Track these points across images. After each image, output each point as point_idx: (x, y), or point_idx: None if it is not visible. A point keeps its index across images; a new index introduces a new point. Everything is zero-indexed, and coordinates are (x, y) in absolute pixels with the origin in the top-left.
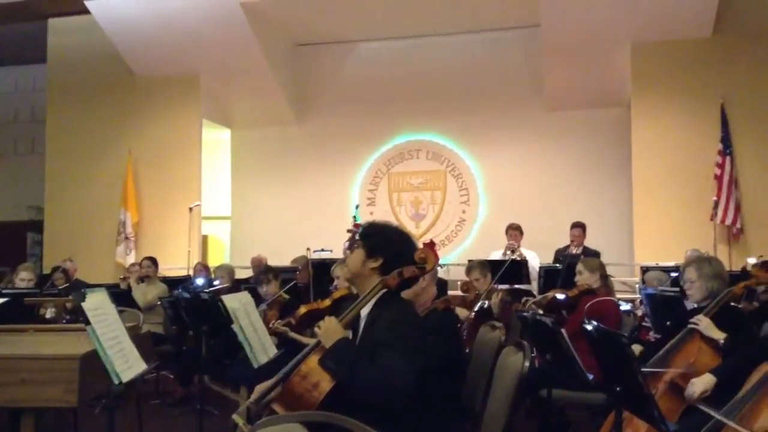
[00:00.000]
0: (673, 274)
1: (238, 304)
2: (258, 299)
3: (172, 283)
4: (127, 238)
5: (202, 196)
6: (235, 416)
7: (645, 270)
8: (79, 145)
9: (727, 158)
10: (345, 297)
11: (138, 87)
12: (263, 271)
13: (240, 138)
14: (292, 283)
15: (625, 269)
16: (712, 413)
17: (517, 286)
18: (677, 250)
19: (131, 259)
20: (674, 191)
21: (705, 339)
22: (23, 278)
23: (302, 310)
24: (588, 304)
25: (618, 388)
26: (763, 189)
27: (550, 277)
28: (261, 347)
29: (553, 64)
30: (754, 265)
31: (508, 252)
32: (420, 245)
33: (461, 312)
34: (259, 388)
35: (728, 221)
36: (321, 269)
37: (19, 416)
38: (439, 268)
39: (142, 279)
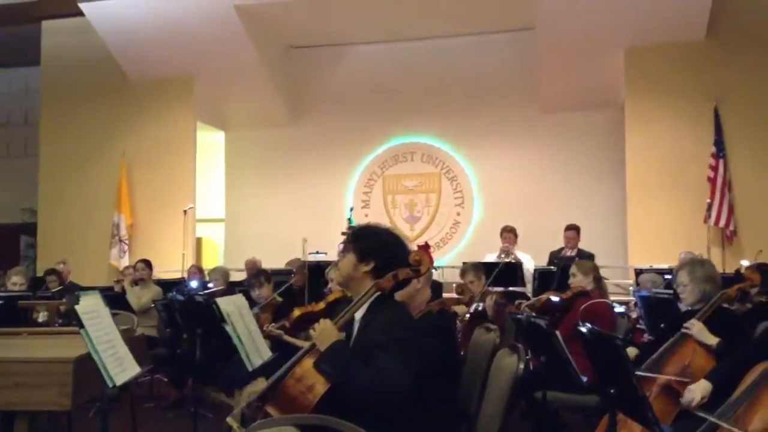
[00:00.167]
0: (667, 277)
1: (233, 306)
2: (251, 303)
3: (166, 285)
4: (121, 240)
5: (196, 199)
6: (229, 419)
7: (639, 272)
8: (72, 147)
9: (721, 161)
10: (339, 300)
11: (132, 89)
12: (255, 274)
13: (234, 140)
14: (286, 285)
15: (619, 271)
16: (708, 417)
17: (511, 288)
18: (671, 253)
19: (125, 261)
20: (668, 193)
21: (699, 341)
22: (15, 282)
23: (296, 313)
24: (582, 307)
25: (612, 391)
26: (756, 191)
27: (544, 279)
28: (255, 350)
29: (547, 67)
30: (747, 268)
31: (503, 255)
32: (414, 248)
33: (459, 309)
34: (249, 390)
35: (722, 224)
36: (316, 272)
37: (12, 419)
38: (433, 270)
39: (136, 282)
